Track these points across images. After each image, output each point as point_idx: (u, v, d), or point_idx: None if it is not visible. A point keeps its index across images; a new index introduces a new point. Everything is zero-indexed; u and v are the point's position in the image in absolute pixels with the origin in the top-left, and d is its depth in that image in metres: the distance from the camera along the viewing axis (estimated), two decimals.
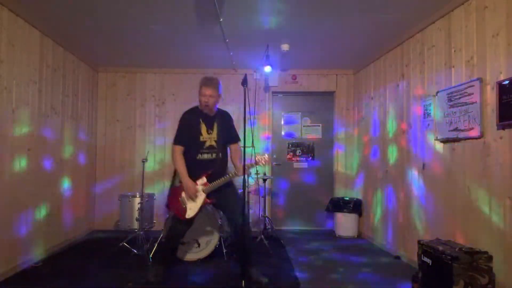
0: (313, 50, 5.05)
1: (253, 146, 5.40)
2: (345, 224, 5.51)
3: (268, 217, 5.34)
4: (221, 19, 3.78)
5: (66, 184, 4.76)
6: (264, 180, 5.21)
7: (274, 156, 6.13)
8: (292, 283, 3.49)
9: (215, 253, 4.12)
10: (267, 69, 5.05)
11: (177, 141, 3.41)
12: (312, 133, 6.19)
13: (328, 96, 6.19)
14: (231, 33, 4.27)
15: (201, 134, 3.37)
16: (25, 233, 3.83)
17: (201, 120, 3.40)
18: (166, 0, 3.48)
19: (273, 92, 6.10)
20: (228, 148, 3.56)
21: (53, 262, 4.07)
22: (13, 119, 3.60)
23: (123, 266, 3.89)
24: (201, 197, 3.34)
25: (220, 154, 3.42)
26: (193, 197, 3.32)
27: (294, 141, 6.19)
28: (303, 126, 6.20)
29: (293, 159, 6.16)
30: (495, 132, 2.87)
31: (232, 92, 5.94)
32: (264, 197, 5.33)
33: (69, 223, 4.87)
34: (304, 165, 6.15)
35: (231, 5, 3.54)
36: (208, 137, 3.39)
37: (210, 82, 3.35)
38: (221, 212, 4.60)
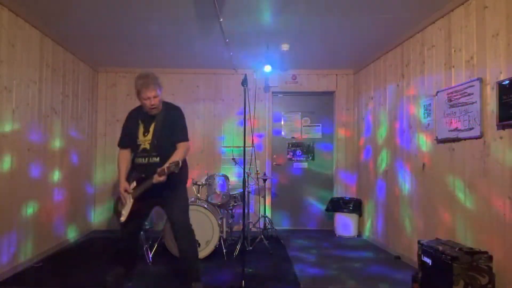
0: (313, 50, 5.05)
1: (253, 146, 5.42)
2: (345, 224, 5.51)
3: (268, 217, 5.34)
4: (221, 19, 3.78)
5: (66, 184, 4.76)
6: (264, 180, 5.21)
7: (274, 156, 6.13)
8: (292, 283, 3.49)
9: (215, 253, 4.12)
10: (267, 69, 5.05)
11: (118, 143, 3.25)
12: (312, 133, 6.19)
13: (328, 96, 6.19)
14: (231, 33, 4.27)
15: (137, 136, 3.07)
16: (25, 233, 3.83)
17: (140, 121, 3.09)
18: (166, 0, 3.48)
19: (273, 92, 6.10)
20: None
21: (53, 262, 4.07)
22: (13, 119, 3.60)
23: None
24: (130, 202, 3.03)
25: (156, 158, 3.01)
26: (123, 201, 3.04)
27: (294, 141, 6.19)
28: (303, 126, 6.20)
29: (293, 159, 6.16)
30: (495, 132, 2.87)
31: (232, 92, 5.96)
32: (264, 197, 5.33)
33: (69, 223, 4.87)
34: (304, 165, 6.15)
35: (231, 5, 3.54)
36: (143, 139, 3.05)
37: (150, 82, 2.94)
38: (222, 211, 4.62)
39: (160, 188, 2.95)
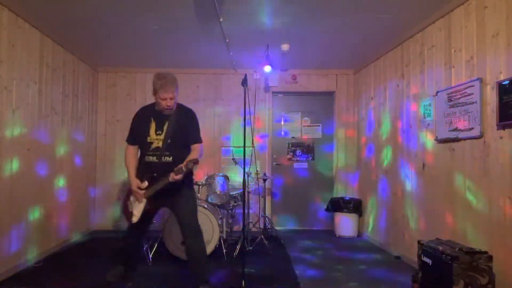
0: (313, 50, 5.05)
1: (253, 146, 5.42)
2: (345, 224, 5.51)
3: (268, 217, 5.34)
4: (221, 19, 3.78)
5: (65, 184, 4.76)
6: (264, 180, 5.22)
7: (274, 156, 6.13)
8: (292, 283, 3.49)
9: (215, 253, 4.12)
10: (267, 69, 5.05)
11: (127, 139, 3.22)
12: (312, 133, 6.19)
13: (328, 96, 6.19)
14: (231, 33, 4.27)
15: (149, 134, 3.05)
16: (25, 233, 3.83)
17: (152, 119, 3.08)
18: (166, 0, 3.48)
19: (273, 92, 6.10)
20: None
21: (53, 262, 4.07)
22: (13, 119, 3.60)
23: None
24: (143, 202, 3.03)
25: (169, 158, 3.02)
26: (138, 200, 3.03)
27: (294, 141, 6.19)
28: (303, 126, 6.20)
29: (293, 159, 6.16)
30: (495, 132, 2.87)
31: (232, 92, 5.96)
32: (264, 197, 5.33)
33: (69, 223, 4.87)
34: (304, 165, 6.15)
35: (231, 5, 3.54)
36: (156, 138, 3.04)
37: (168, 83, 2.95)
38: (221, 211, 4.61)
39: (171, 189, 2.96)
